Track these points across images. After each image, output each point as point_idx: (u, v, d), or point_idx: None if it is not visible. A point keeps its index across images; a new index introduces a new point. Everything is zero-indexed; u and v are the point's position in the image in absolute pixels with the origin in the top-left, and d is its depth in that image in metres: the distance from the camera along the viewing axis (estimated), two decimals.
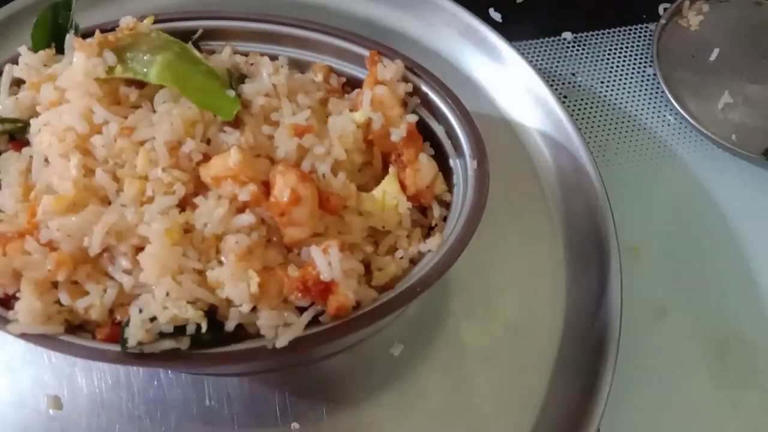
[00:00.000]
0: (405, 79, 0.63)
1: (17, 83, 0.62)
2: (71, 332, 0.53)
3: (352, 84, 0.66)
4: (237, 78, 0.60)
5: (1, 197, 0.57)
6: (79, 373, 0.65)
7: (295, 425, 0.64)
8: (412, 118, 0.60)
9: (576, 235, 0.71)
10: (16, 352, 0.66)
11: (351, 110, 0.62)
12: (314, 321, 0.54)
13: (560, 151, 0.74)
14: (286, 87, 0.60)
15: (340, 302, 0.52)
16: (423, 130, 0.62)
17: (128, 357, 0.50)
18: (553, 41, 0.97)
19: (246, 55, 0.64)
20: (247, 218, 0.53)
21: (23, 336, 0.51)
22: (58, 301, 0.53)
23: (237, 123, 0.58)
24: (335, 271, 0.52)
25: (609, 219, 0.68)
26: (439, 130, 0.63)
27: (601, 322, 0.64)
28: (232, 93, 0.58)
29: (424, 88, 0.63)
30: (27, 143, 0.60)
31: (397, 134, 0.59)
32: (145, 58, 0.57)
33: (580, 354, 0.65)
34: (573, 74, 0.95)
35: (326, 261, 0.52)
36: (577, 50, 0.97)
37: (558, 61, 0.96)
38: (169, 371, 0.65)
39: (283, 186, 0.52)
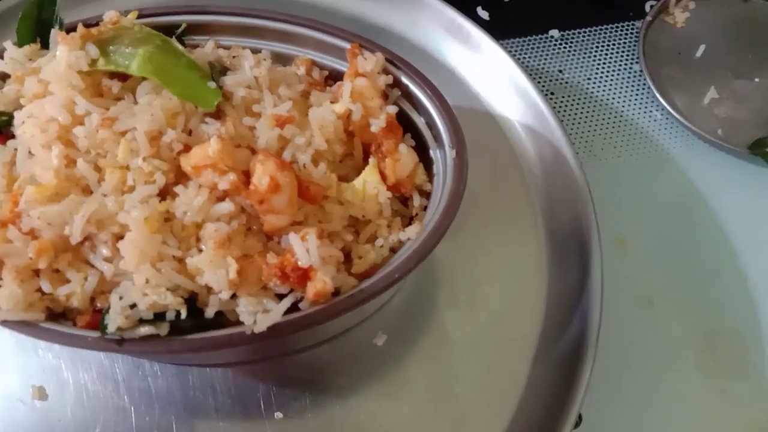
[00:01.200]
0: (386, 71, 0.63)
1: (2, 77, 0.63)
2: (53, 320, 0.54)
3: (335, 77, 0.67)
4: (219, 70, 0.61)
5: None
6: (65, 364, 0.66)
7: (278, 415, 0.64)
8: (392, 109, 0.61)
9: (558, 225, 0.71)
10: (2, 343, 0.67)
11: (332, 102, 0.62)
12: (294, 308, 0.54)
13: (542, 142, 0.75)
14: (267, 79, 0.61)
15: (318, 288, 0.52)
16: (404, 122, 0.63)
17: (107, 343, 0.51)
18: (541, 39, 0.98)
19: (229, 48, 0.65)
20: (226, 206, 0.54)
21: (4, 323, 0.52)
22: (39, 289, 0.53)
23: (218, 114, 0.59)
24: (313, 258, 0.52)
25: (590, 209, 0.68)
26: (419, 121, 0.64)
27: (582, 310, 0.65)
28: (213, 84, 0.58)
29: (405, 80, 0.63)
30: (12, 136, 0.61)
31: (377, 125, 0.60)
32: (127, 50, 0.58)
33: (561, 342, 0.65)
34: (560, 71, 0.95)
35: (304, 247, 0.52)
36: (564, 47, 0.98)
37: (545, 59, 0.97)
38: (154, 362, 0.66)
39: (262, 174, 0.53)
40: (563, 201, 0.71)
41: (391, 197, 0.60)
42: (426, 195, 0.62)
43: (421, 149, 0.63)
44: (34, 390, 0.65)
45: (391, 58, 0.64)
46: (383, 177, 0.60)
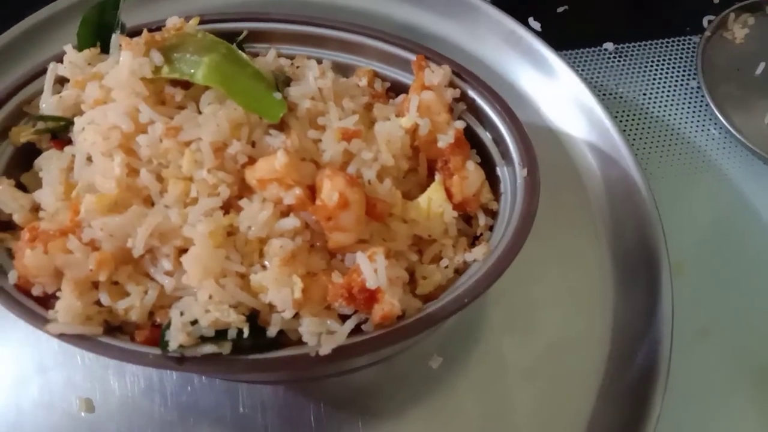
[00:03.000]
0: (452, 85, 0.61)
1: (60, 82, 0.61)
2: (109, 333, 0.52)
3: (396, 89, 0.65)
4: (282, 81, 0.59)
5: (42, 195, 0.57)
6: (112, 375, 0.64)
7: None
8: (460, 125, 0.59)
9: (624, 248, 0.69)
10: (48, 353, 0.66)
11: (396, 116, 0.61)
12: (356, 329, 0.52)
13: (607, 161, 0.72)
14: (332, 91, 0.59)
15: (385, 311, 0.50)
16: (469, 137, 0.61)
17: (169, 361, 0.49)
18: (594, 51, 0.95)
19: (291, 58, 0.64)
20: (291, 222, 0.52)
21: (61, 336, 0.51)
22: (97, 302, 0.52)
23: (282, 126, 0.57)
24: (381, 279, 0.50)
25: (659, 233, 0.66)
26: (485, 137, 0.62)
27: (651, 342, 0.62)
28: (278, 96, 0.57)
29: (472, 94, 0.61)
30: (69, 142, 0.60)
31: (445, 140, 0.58)
32: (192, 58, 0.56)
33: (627, 376, 0.62)
34: (615, 85, 0.93)
35: (372, 268, 0.50)
36: (619, 61, 0.95)
37: (599, 72, 0.94)
38: (203, 377, 0.64)
39: (331, 190, 0.51)
40: (630, 224, 0.69)
41: (456, 216, 0.58)
42: (491, 214, 0.60)
43: (486, 166, 0.61)
44: (81, 402, 0.63)
45: (457, 70, 0.62)
46: (449, 195, 0.58)
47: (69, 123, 0.59)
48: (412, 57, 0.63)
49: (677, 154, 0.89)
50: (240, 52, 0.60)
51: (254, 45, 0.65)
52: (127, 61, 0.55)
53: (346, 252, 0.54)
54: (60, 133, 0.60)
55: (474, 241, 0.60)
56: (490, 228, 0.59)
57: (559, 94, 0.77)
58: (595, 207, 0.71)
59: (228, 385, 0.64)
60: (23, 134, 0.59)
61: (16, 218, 0.57)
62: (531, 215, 0.54)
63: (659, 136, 0.90)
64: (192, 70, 0.55)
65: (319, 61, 0.64)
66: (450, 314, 0.52)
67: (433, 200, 0.57)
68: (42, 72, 0.61)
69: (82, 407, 0.63)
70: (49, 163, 0.58)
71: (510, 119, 0.59)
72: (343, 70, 0.65)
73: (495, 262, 0.53)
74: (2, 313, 0.52)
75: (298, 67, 0.62)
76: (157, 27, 0.60)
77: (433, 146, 0.59)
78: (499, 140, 0.60)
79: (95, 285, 0.52)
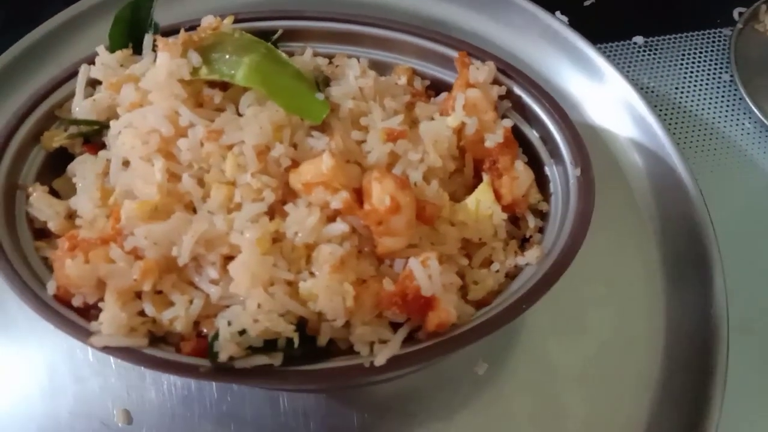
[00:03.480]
0: (497, 82, 0.60)
1: (91, 84, 0.60)
2: (153, 344, 0.50)
3: (436, 87, 0.63)
4: (322, 80, 0.57)
5: (78, 202, 0.55)
6: (150, 385, 0.63)
7: None
8: (508, 123, 0.57)
9: (672, 246, 0.67)
10: (83, 362, 0.64)
11: (440, 114, 0.59)
12: (407, 337, 0.51)
13: (652, 159, 0.70)
14: (374, 90, 0.57)
15: (441, 318, 0.48)
16: (515, 135, 0.59)
17: (220, 373, 0.47)
18: (624, 45, 0.94)
19: (328, 57, 0.62)
20: (339, 227, 0.50)
21: (106, 349, 0.49)
22: (141, 312, 0.50)
23: (324, 127, 0.55)
24: (436, 285, 0.48)
25: (710, 231, 0.64)
26: (532, 135, 0.60)
27: (706, 343, 0.60)
28: (321, 96, 0.55)
29: (518, 91, 0.59)
30: (102, 146, 0.58)
31: (493, 140, 0.56)
32: (231, 59, 0.54)
33: (684, 378, 0.60)
34: (646, 79, 0.91)
35: (426, 274, 0.49)
36: (649, 55, 0.93)
37: (629, 66, 0.92)
38: (243, 385, 0.62)
39: (381, 193, 0.49)
40: (679, 222, 0.67)
41: (505, 218, 0.56)
42: (540, 215, 0.58)
43: (534, 165, 0.59)
44: (119, 413, 0.62)
45: (502, 66, 0.60)
46: (497, 196, 0.56)
47: (103, 127, 0.57)
48: (452, 53, 0.61)
49: (711, 148, 0.87)
50: (279, 51, 0.58)
51: (289, 44, 0.63)
52: (164, 62, 0.53)
53: (395, 257, 0.52)
54: (93, 137, 0.59)
55: (523, 243, 0.58)
56: (540, 230, 0.57)
57: (599, 90, 0.75)
58: (641, 204, 0.69)
59: (269, 393, 0.62)
60: (56, 139, 0.58)
61: (52, 226, 0.55)
62: (587, 216, 0.52)
63: (693, 130, 0.88)
64: (232, 71, 0.53)
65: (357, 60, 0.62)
66: (507, 321, 0.50)
67: (482, 202, 0.55)
68: (73, 74, 0.59)
69: (120, 418, 0.61)
70: (84, 169, 0.57)
71: (560, 117, 0.57)
72: (379, 69, 0.63)
73: (553, 265, 0.51)
74: (35, 319, 0.50)
75: (337, 66, 0.60)
76: (191, 26, 0.59)
77: (479, 146, 0.57)
78: (546, 138, 0.58)
79: (138, 295, 0.50)
